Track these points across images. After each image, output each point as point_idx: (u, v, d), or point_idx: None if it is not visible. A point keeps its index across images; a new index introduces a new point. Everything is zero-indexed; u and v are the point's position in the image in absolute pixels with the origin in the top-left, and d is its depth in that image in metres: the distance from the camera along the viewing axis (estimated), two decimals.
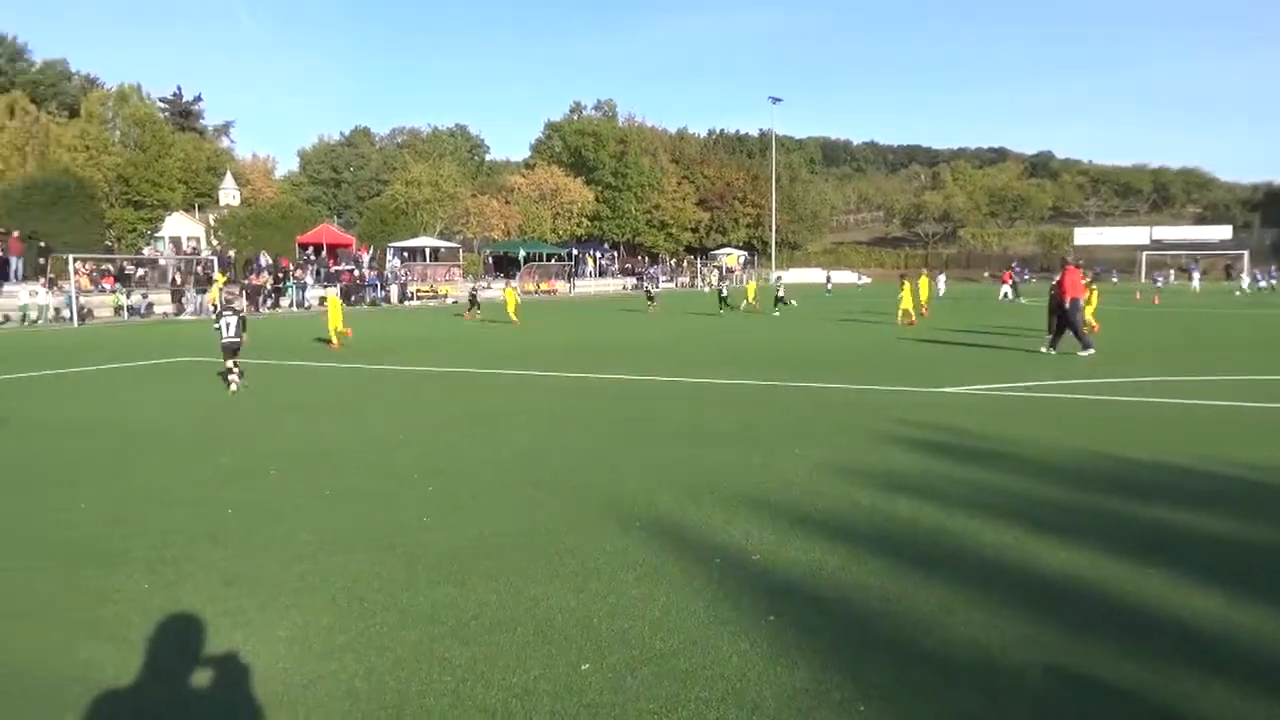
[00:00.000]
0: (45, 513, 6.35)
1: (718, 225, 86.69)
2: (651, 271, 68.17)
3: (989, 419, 9.76)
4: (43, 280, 34.11)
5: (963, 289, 56.21)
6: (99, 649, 4.02)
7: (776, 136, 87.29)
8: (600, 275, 65.87)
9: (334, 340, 20.48)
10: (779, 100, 72.89)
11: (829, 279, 63.49)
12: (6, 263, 34.99)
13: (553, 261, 63.45)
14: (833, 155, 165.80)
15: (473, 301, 32.50)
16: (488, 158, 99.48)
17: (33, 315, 31.75)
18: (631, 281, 66.50)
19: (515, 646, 3.97)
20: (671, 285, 69.49)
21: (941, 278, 50.24)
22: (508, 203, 68.72)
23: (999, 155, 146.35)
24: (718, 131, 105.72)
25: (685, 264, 78.11)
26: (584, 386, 12.96)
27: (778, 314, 31.08)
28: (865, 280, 67.97)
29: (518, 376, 14.16)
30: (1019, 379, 12.97)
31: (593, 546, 5.36)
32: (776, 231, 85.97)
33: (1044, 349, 16.64)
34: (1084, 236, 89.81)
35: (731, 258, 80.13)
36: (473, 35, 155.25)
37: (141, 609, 4.49)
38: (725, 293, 34.46)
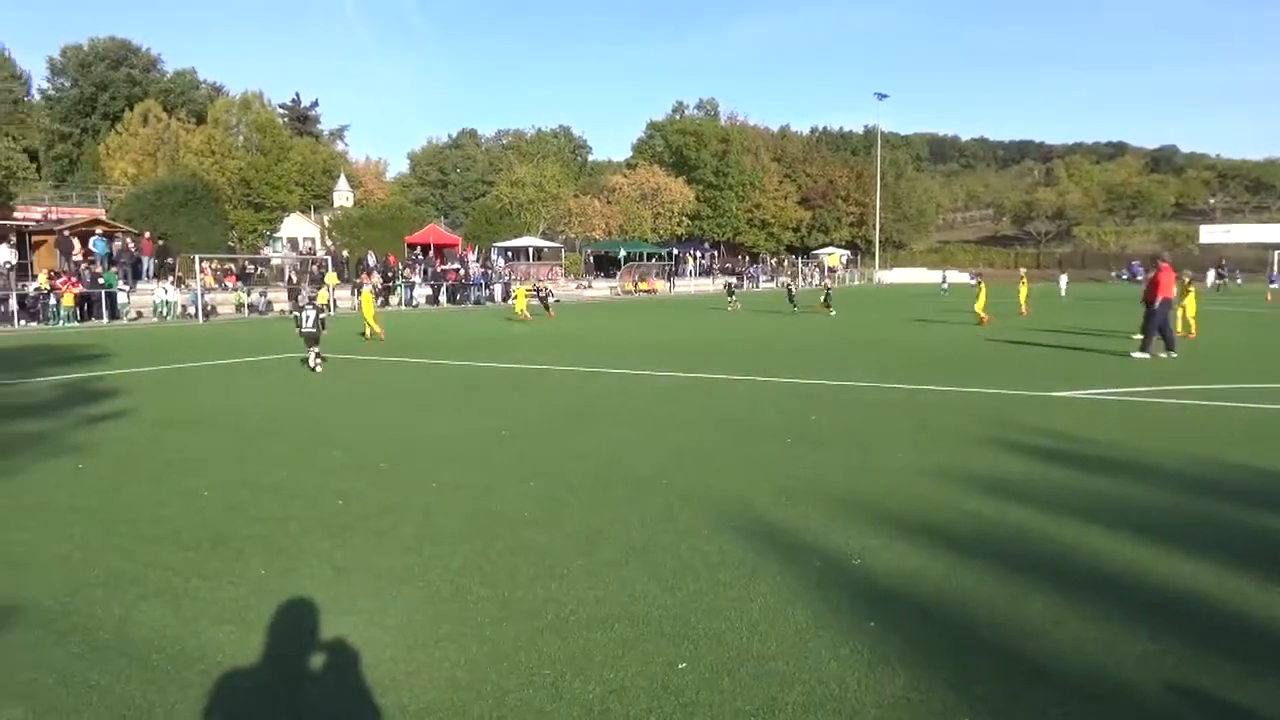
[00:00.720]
0: (170, 499, 6.69)
1: (820, 224, 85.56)
2: (752, 271, 67.76)
3: (1093, 423, 9.37)
4: (171, 279, 36.01)
5: (1085, 289, 53.94)
6: (218, 630, 4.21)
7: (881, 133, 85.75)
8: (701, 275, 65.74)
9: (375, 329, 22.15)
10: (885, 96, 71.95)
11: (944, 279, 60.62)
12: (140, 262, 37.04)
13: (653, 261, 63.68)
14: (940, 152, 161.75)
15: (544, 302, 33.04)
16: (590, 158, 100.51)
17: (162, 311, 33.52)
18: (733, 281, 66.23)
19: (612, 643, 4.00)
20: (772, 285, 68.84)
21: (1063, 278, 48.39)
22: (609, 202, 69.29)
23: (1117, 150, 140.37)
24: (820, 129, 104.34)
25: (786, 263, 77.33)
26: (680, 385, 12.97)
27: (834, 313, 30.78)
28: (974, 281, 65.70)
29: (616, 375, 14.26)
30: (1122, 383, 12.41)
31: (690, 545, 5.36)
32: (881, 230, 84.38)
33: (1138, 354, 15.87)
34: (1210, 234, 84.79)
35: (834, 257, 79.02)
36: (577, 38, 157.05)
37: (258, 593, 4.69)
38: (794, 292, 34.32)
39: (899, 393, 11.87)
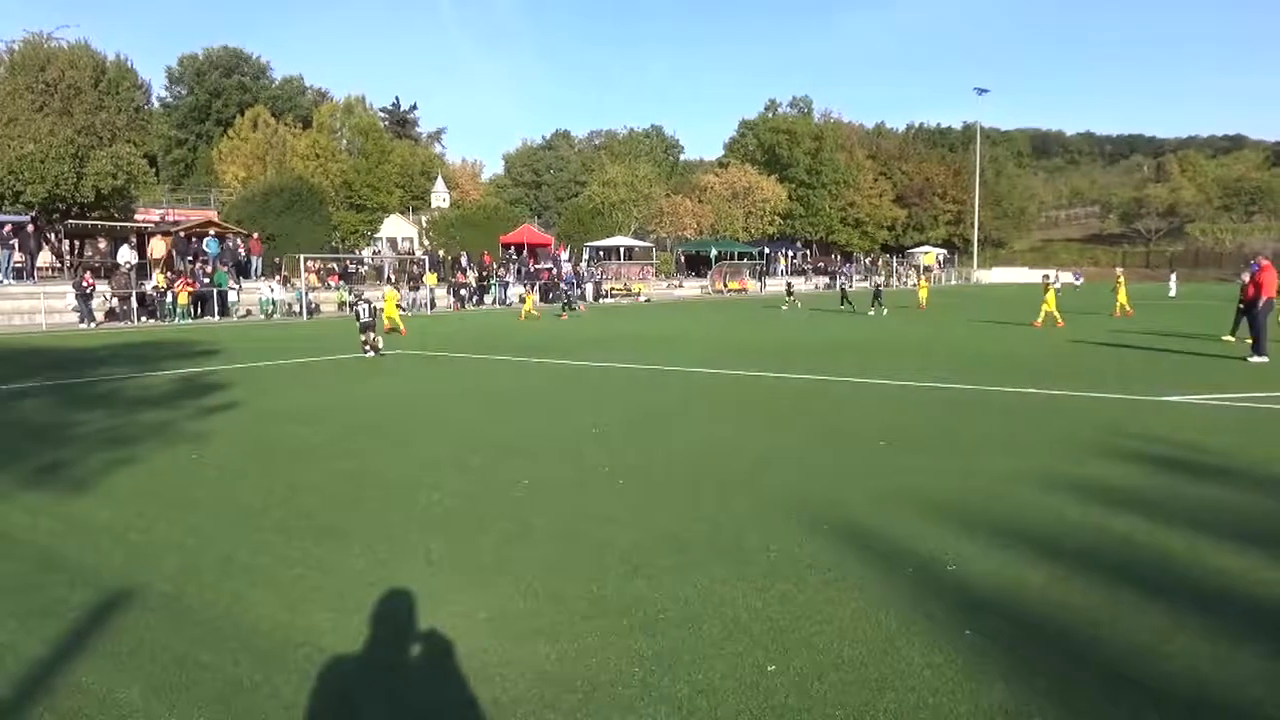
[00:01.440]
0: (276, 490, 6.96)
1: (915, 223, 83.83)
2: (845, 270, 66.80)
3: (1204, 429, 8.94)
4: (278, 277, 37.43)
5: (1201, 289, 51.53)
6: (320, 617, 4.37)
7: (981, 129, 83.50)
8: (794, 274, 65.10)
9: (400, 327, 23.58)
10: (985, 91, 69.98)
11: (1055, 278, 57.95)
12: (249, 261, 38.61)
13: (744, 260, 63.35)
14: (1043, 147, 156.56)
15: (567, 304, 34.50)
16: (681, 157, 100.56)
17: (268, 309, 34.89)
18: (824, 280, 65.45)
19: (701, 643, 4.01)
20: (866, 284, 67.71)
21: (1173, 278, 46.37)
22: (700, 201, 69.18)
23: (1235, 143, 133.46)
24: (917, 125, 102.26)
25: (880, 262, 75.97)
26: (766, 385, 12.87)
27: (886, 312, 30.24)
28: (1080, 280, 63.17)
29: (704, 374, 14.24)
30: (1232, 388, 11.80)
31: (780, 547, 5.32)
32: (979, 229, 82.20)
33: (1255, 358, 15.06)
34: None
35: (930, 256, 77.28)
36: (669, 38, 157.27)
37: (357, 583, 4.84)
38: (849, 288, 34.02)
39: (994, 395, 11.54)
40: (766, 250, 66.97)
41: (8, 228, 33.41)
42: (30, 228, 34.58)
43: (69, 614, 4.46)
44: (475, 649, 3.98)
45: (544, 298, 45.79)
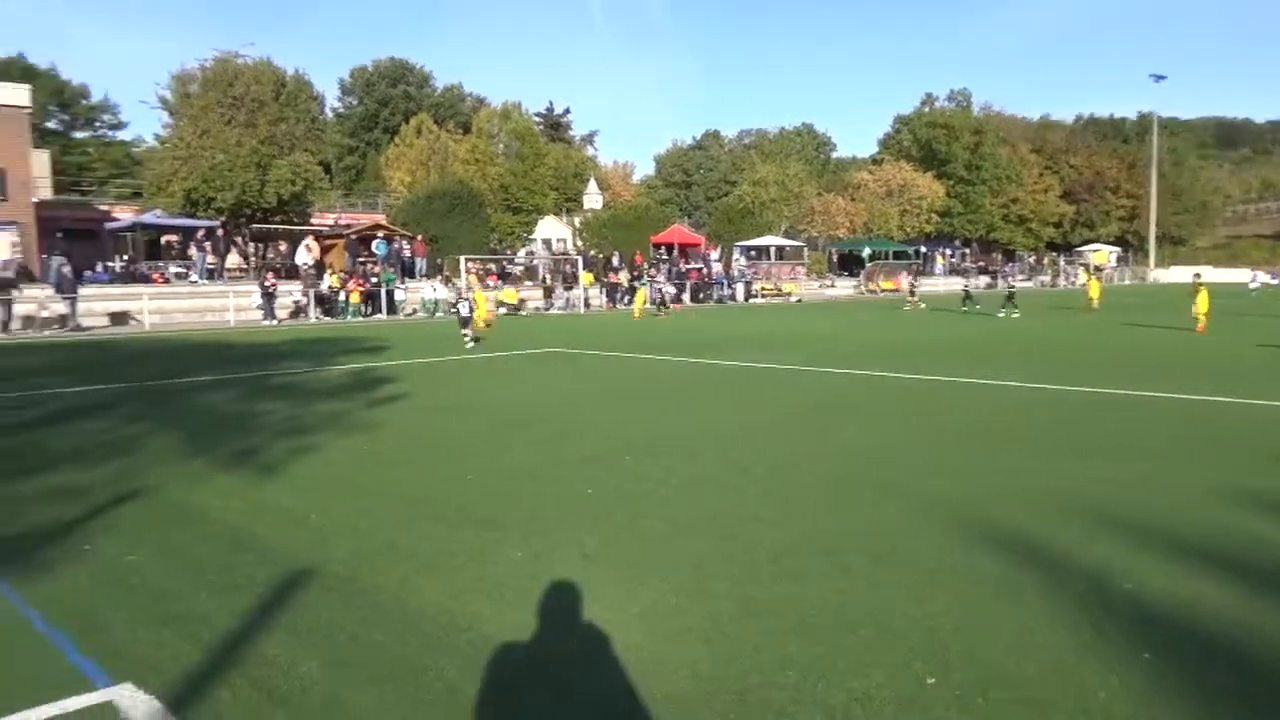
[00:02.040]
0: (438, 481, 7.28)
1: (1084, 219, 79.29)
2: (1007, 269, 63.90)
3: None
4: (440, 277, 39.07)
5: None
6: (481, 605, 4.54)
7: (1158, 119, 78.28)
8: (951, 273, 62.85)
9: (484, 323, 24.55)
10: (1161, 78, 65.48)
11: (1255, 278, 52.46)
12: (413, 262, 40.47)
13: (900, 260, 61.64)
14: (1229, 137, 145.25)
15: (662, 304, 34.42)
16: (833, 155, 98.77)
17: (431, 307, 36.48)
18: (984, 280, 62.86)
19: (856, 650, 3.93)
20: (1030, 284, 64.71)
21: None
22: (853, 200, 67.77)
23: None
24: (1086, 116, 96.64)
25: (1046, 261, 72.25)
26: (918, 387, 12.48)
27: (1016, 315, 28.51)
28: (1275, 281, 57.70)
29: (853, 375, 13.94)
30: None
31: (938, 556, 5.16)
32: (1156, 225, 77.11)
33: None
34: None
35: (1100, 254, 73.03)
36: (821, 34, 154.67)
37: (515, 573, 5.00)
38: (971, 292, 32.30)
39: (1159, 401, 10.80)
40: (923, 249, 64.89)
41: (201, 232, 36.24)
42: (220, 232, 37.38)
43: (256, 590, 4.80)
44: (628, 644, 4.04)
45: (694, 298, 45.97)
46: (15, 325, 27.53)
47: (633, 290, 43.35)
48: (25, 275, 30.92)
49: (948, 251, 66.92)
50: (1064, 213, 77.73)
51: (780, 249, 56.99)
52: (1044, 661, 3.80)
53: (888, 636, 4.07)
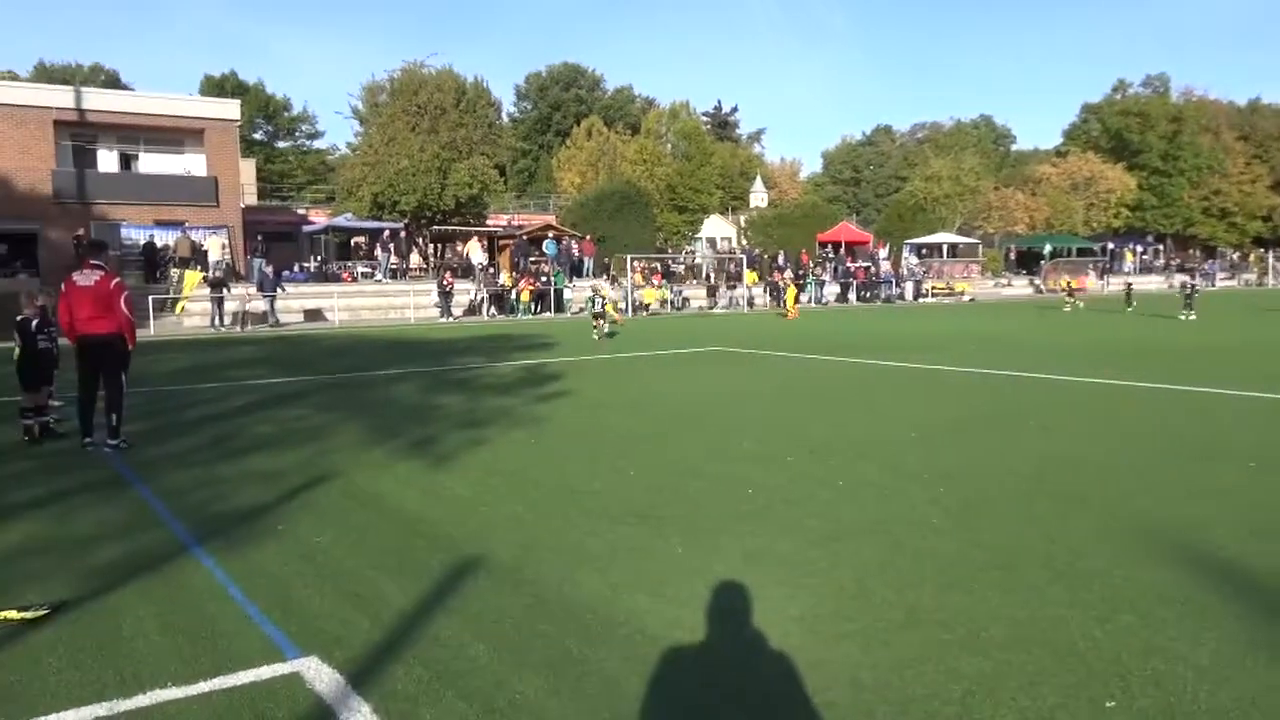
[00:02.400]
0: (604, 475, 7.42)
1: None
2: (1207, 268, 59.16)
3: None
4: (606, 277, 39.83)
5: None
6: (641, 600, 4.59)
7: None
8: (1142, 271, 58.69)
9: (617, 319, 25.97)
10: None
11: None
12: (582, 261, 41.46)
13: (1084, 257, 58.11)
14: None
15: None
16: (1013, 148, 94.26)
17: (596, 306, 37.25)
18: (1181, 279, 58.29)
19: (1030, 668, 3.73)
20: (1233, 283, 59.61)
21: None
22: (1034, 194, 64.42)
23: None
24: None
25: (1253, 258, 66.24)
26: (1106, 392, 11.71)
27: (1194, 316, 25.97)
28: None
29: (1033, 379, 13.23)
30: None
31: (1124, 574, 4.83)
32: None
33: None
34: None
35: None
36: (1000, 22, 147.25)
37: (675, 569, 5.03)
38: (1131, 291, 29.90)
39: None
40: (1111, 246, 60.91)
41: (386, 233, 38.39)
42: (403, 233, 39.46)
43: (429, 574, 5.04)
44: (787, 646, 3.99)
45: (860, 296, 44.93)
46: (227, 321, 30.03)
47: (800, 289, 42.86)
48: (232, 275, 33.67)
49: (1138, 248, 62.50)
50: (1274, 205, 70.99)
51: (953, 246, 54.88)
52: (1242, 692, 3.48)
53: (1064, 655, 3.84)
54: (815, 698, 3.52)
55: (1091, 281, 54.27)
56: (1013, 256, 59.95)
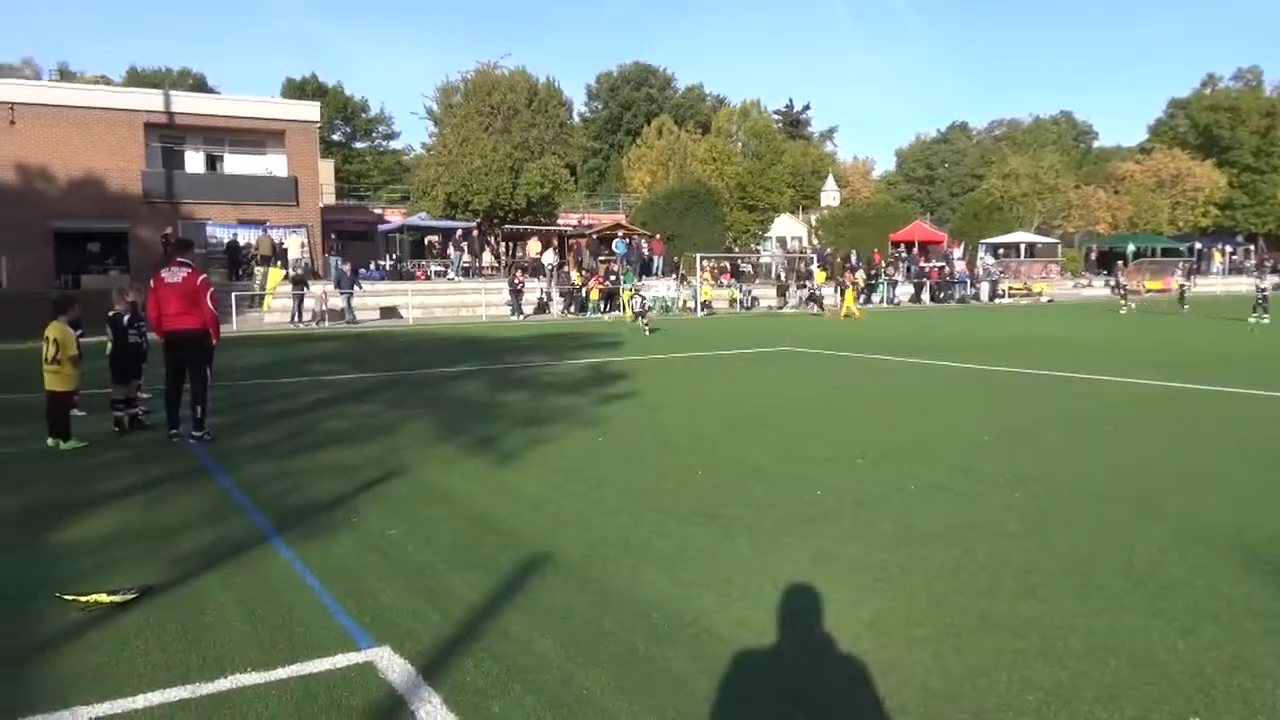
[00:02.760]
0: (670, 475, 7.42)
1: None
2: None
3: None
4: (674, 276, 39.83)
5: None
6: (707, 600, 4.59)
7: None
8: (1232, 272, 56.44)
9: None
10: None
11: None
12: (651, 260, 41.52)
13: (1168, 257, 56.16)
14: None
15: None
16: (1095, 144, 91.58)
17: (666, 305, 37.27)
18: (1274, 280, 55.91)
19: (1108, 679, 3.63)
20: None
21: None
22: (1116, 192, 62.47)
23: None
24: None
25: None
26: (1189, 398, 11.29)
27: (1268, 320, 24.73)
28: None
29: (1113, 383, 12.84)
30: None
31: (1207, 585, 4.66)
32: None
33: None
34: None
35: None
36: (1084, 13, 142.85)
37: (742, 570, 5.02)
38: (1186, 291, 28.54)
39: None
40: (1199, 245, 58.74)
41: (459, 232, 38.99)
42: (475, 232, 40.02)
43: (498, 569, 5.11)
44: (856, 650, 3.94)
45: (934, 297, 44.15)
46: (306, 317, 30.83)
47: (870, 289, 42.28)
48: (310, 273, 34.54)
49: (1228, 248, 60.13)
50: None
51: (1031, 246, 53.56)
52: None
53: (1144, 667, 3.73)
54: (885, 703, 3.48)
55: (1176, 282, 52.41)
56: (1093, 256, 58.24)
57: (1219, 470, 7.31)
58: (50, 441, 8.98)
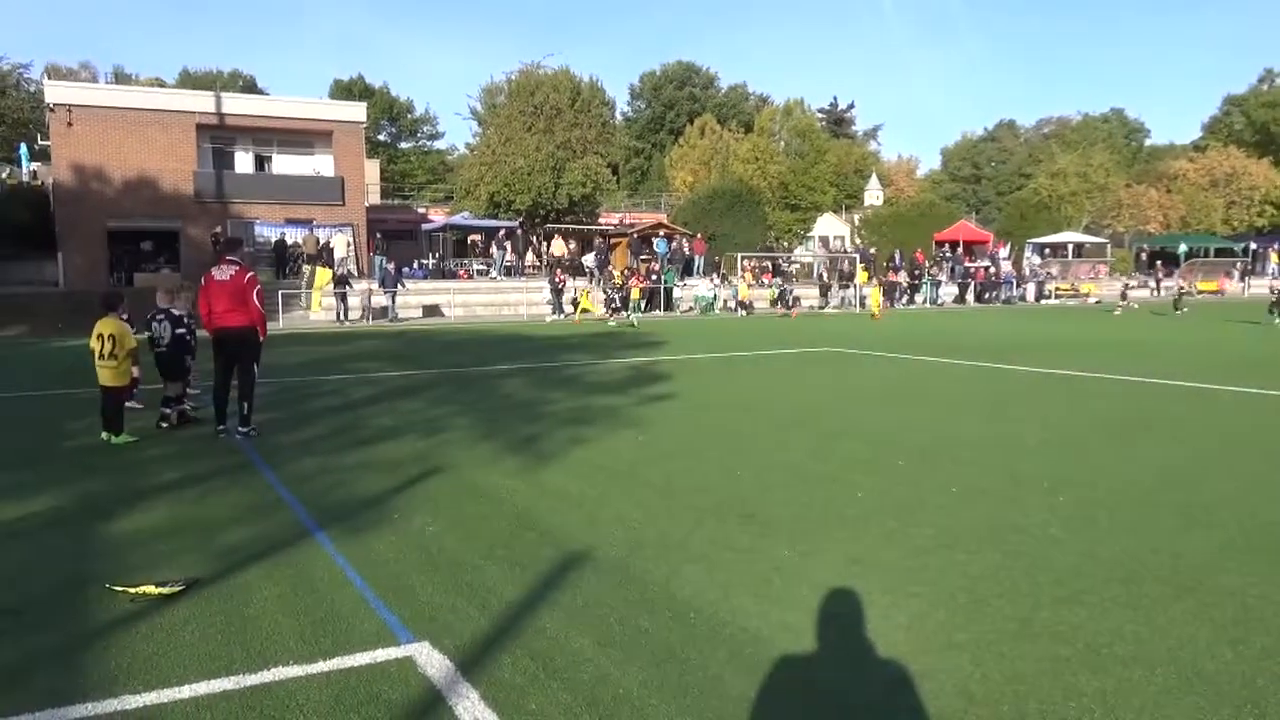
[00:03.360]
0: (711, 475, 7.41)
1: None
2: None
3: None
4: (716, 276, 39.74)
5: None
6: (746, 600, 4.58)
7: None
8: None
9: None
10: None
11: None
12: (692, 259, 41.46)
13: (1222, 257, 54.85)
14: None
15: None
16: (1146, 142, 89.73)
17: (704, 305, 37.19)
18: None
19: (1153, 688, 3.56)
20: None
21: None
22: (1168, 191, 61.16)
23: None
24: None
25: None
26: (1236, 401, 11.02)
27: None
28: None
29: (1165, 386, 12.58)
30: None
31: (1259, 593, 4.56)
32: None
33: None
34: None
35: None
36: (1137, 8, 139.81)
37: (780, 571, 5.00)
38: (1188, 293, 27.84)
39: None
40: (1254, 245, 57.30)
41: (501, 232, 39.24)
42: (518, 231, 40.26)
43: (537, 567, 5.14)
44: (894, 654, 3.91)
45: (979, 297, 43.57)
46: (354, 315, 31.24)
47: (914, 289, 41.82)
48: (356, 271, 34.99)
49: None
50: None
51: (1079, 246, 52.63)
52: None
53: (1192, 677, 3.65)
54: (923, 708, 3.45)
55: (1233, 284, 51.20)
56: (1144, 257, 57.07)
57: (1272, 476, 7.13)
58: (104, 436, 9.19)
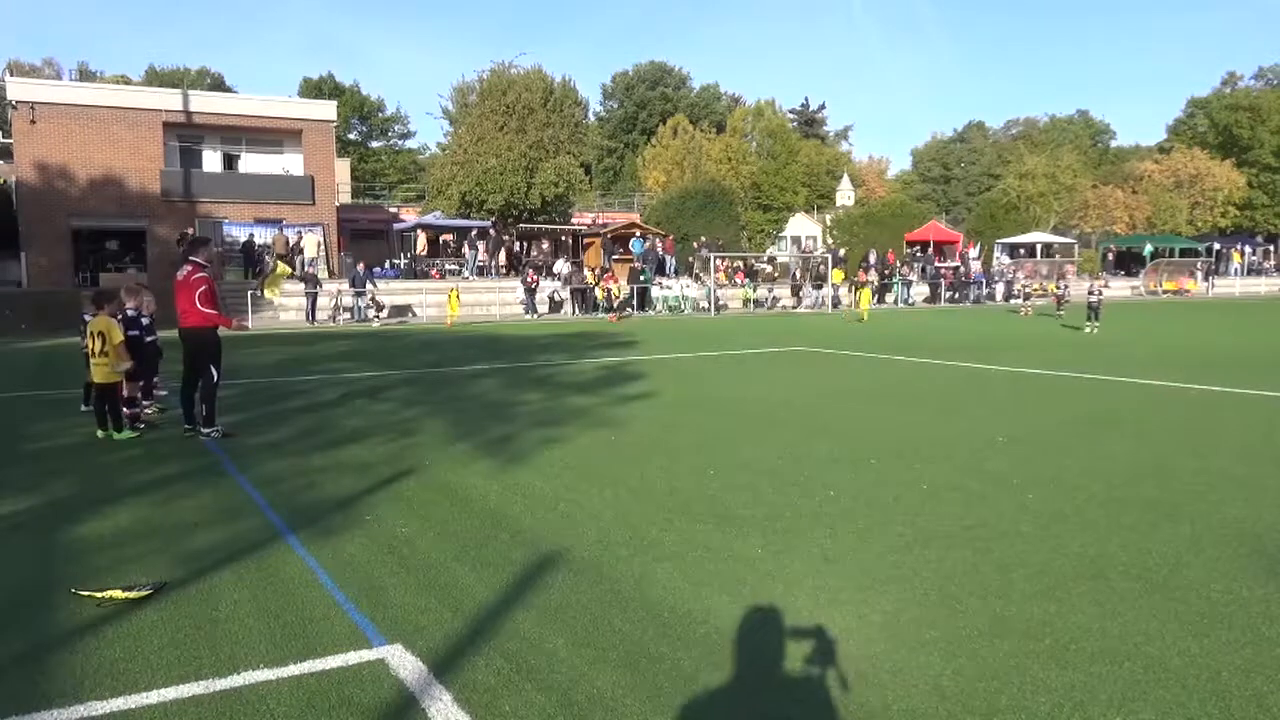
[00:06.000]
0: (683, 475, 7.41)
1: None
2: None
3: None
4: (689, 276, 39.80)
5: None
6: (716, 598, 4.58)
7: None
8: (1250, 273, 55.94)
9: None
10: None
11: None
12: (663, 260, 41.50)
13: (1191, 258, 55.72)
14: None
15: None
16: (1112, 144, 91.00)
17: (674, 304, 37.25)
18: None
19: (1120, 682, 3.61)
20: None
21: None
22: (1134, 192, 62.05)
23: None
24: None
25: None
26: (1206, 400, 11.20)
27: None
28: None
29: (1133, 385, 12.75)
30: None
31: (1223, 588, 4.63)
32: None
33: None
34: None
35: None
36: (1102, 10, 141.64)
37: (752, 570, 5.01)
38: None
39: None
40: (1217, 246, 58.25)
41: (474, 231, 39.06)
42: (491, 231, 40.10)
43: (510, 568, 5.11)
44: (866, 652, 3.93)
45: (949, 297, 43.95)
46: (321, 316, 30.96)
47: (884, 289, 42.11)
48: (325, 271, 34.69)
49: (1246, 249, 59.58)
50: None
51: (1047, 246, 53.26)
52: None
53: (1158, 670, 3.70)
54: (895, 705, 3.47)
55: (1193, 284, 51.99)
56: (1110, 257, 57.86)
57: (1238, 472, 7.25)
58: (103, 433, 9.26)
